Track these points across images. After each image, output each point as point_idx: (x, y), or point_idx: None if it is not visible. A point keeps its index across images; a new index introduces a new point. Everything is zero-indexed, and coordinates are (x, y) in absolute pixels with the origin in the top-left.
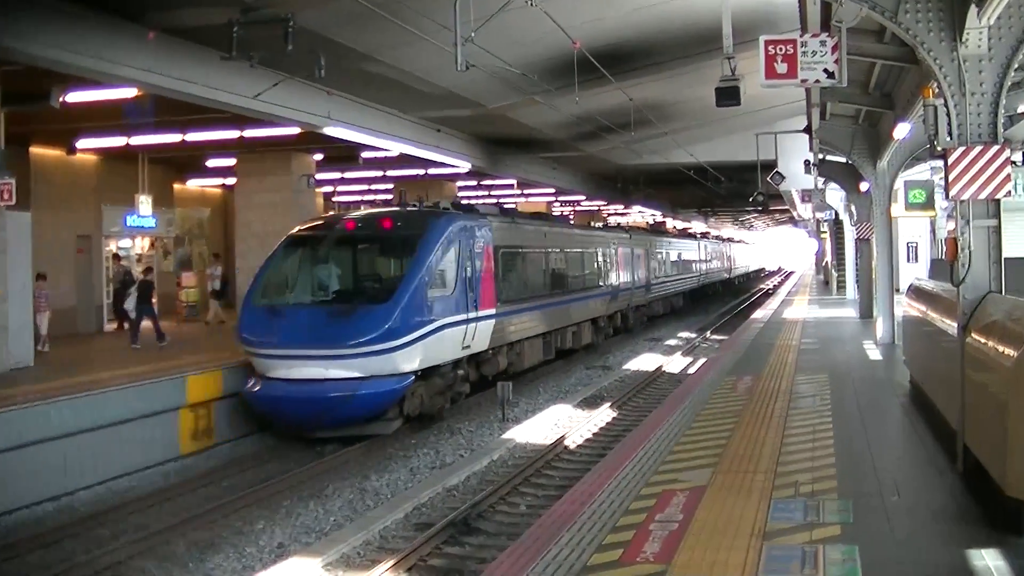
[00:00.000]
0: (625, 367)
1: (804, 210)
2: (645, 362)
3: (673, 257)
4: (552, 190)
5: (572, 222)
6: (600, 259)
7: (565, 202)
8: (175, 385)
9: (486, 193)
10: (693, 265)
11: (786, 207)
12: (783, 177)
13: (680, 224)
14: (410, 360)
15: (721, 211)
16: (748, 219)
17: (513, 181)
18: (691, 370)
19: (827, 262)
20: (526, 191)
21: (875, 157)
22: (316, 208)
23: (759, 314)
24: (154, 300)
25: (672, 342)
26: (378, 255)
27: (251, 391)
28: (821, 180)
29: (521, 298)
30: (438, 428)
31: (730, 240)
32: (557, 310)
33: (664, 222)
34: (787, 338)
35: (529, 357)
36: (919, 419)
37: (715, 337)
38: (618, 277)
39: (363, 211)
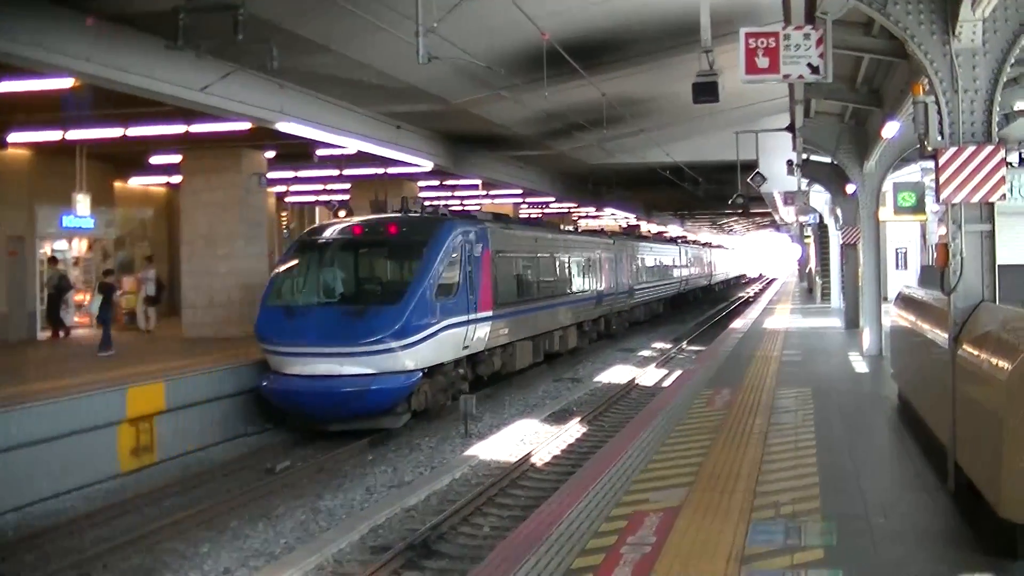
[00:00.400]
0: (596, 379)
1: (787, 213)
2: (617, 374)
3: (654, 262)
4: (519, 191)
5: (565, 228)
6: (587, 264)
7: (534, 204)
8: (113, 398)
9: (449, 194)
10: (674, 271)
11: (768, 210)
12: (764, 178)
13: (655, 228)
14: (418, 358)
15: (699, 214)
16: (727, 223)
17: (478, 181)
18: (666, 383)
19: (811, 269)
20: (492, 192)
21: (862, 157)
22: (268, 209)
23: (739, 324)
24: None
25: (646, 353)
26: (387, 259)
27: (269, 386)
28: (805, 182)
29: (515, 302)
30: (396, 444)
31: (709, 245)
32: (547, 314)
33: (638, 225)
34: (768, 349)
35: (520, 359)
36: (907, 436)
37: (692, 348)
38: (603, 282)
39: (369, 217)
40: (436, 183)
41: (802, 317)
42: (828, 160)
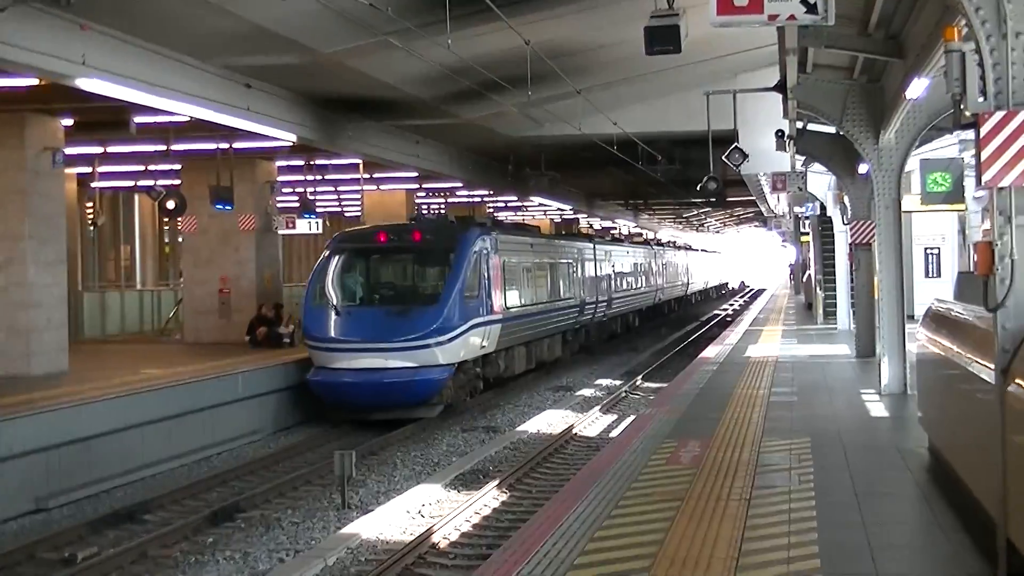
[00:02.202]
0: (520, 429)
1: (776, 203)
2: (547, 422)
3: (631, 268)
4: (414, 174)
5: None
6: (572, 270)
7: (433, 191)
8: None
9: (318, 177)
10: (650, 278)
11: (751, 197)
12: (745, 156)
13: (599, 224)
14: (452, 353)
15: (658, 205)
16: (698, 216)
17: (358, 160)
18: (613, 432)
19: (809, 276)
20: (377, 175)
21: (878, 126)
22: (68, 198)
23: (712, 351)
24: None
25: (586, 393)
26: (419, 263)
27: (316, 380)
28: (800, 160)
29: (517, 306)
30: (247, 520)
31: (687, 248)
32: (541, 319)
33: (576, 220)
34: (751, 386)
35: (519, 363)
36: (941, 503)
37: (648, 385)
38: (585, 290)
39: (392, 223)
40: (300, 162)
41: (798, 342)
42: (831, 130)
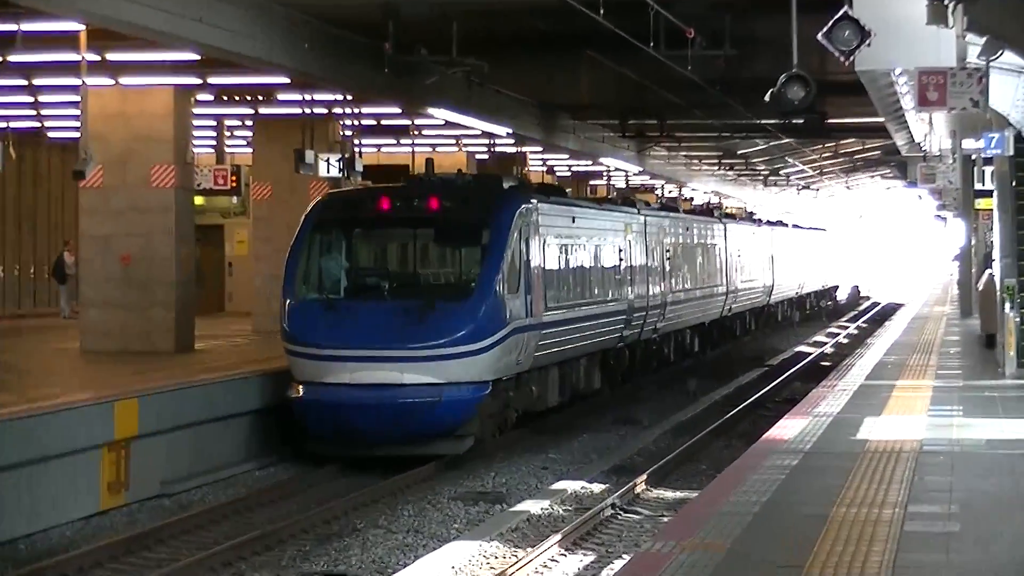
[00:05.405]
0: None
1: (927, 130)
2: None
3: (689, 255)
4: (192, 56)
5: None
6: (619, 257)
7: (232, 92)
8: None
9: None
10: (717, 273)
11: (874, 119)
12: (867, 34)
13: (558, 165)
14: (489, 366)
15: (685, 131)
16: (765, 156)
17: (76, 28)
18: None
19: (991, 278)
20: (115, 55)
21: None
22: None
23: (792, 426)
24: None
25: (539, 508)
26: (442, 241)
27: (302, 398)
28: (977, 45)
29: (559, 307)
30: None
31: (772, 224)
32: (583, 329)
33: (517, 156)
34: (866, 500)
35: (551, 392)
36: None
37: (661, 494)
38: (633, 288)
39: (397, 184)
40: None
41: (964, 413)
42: None
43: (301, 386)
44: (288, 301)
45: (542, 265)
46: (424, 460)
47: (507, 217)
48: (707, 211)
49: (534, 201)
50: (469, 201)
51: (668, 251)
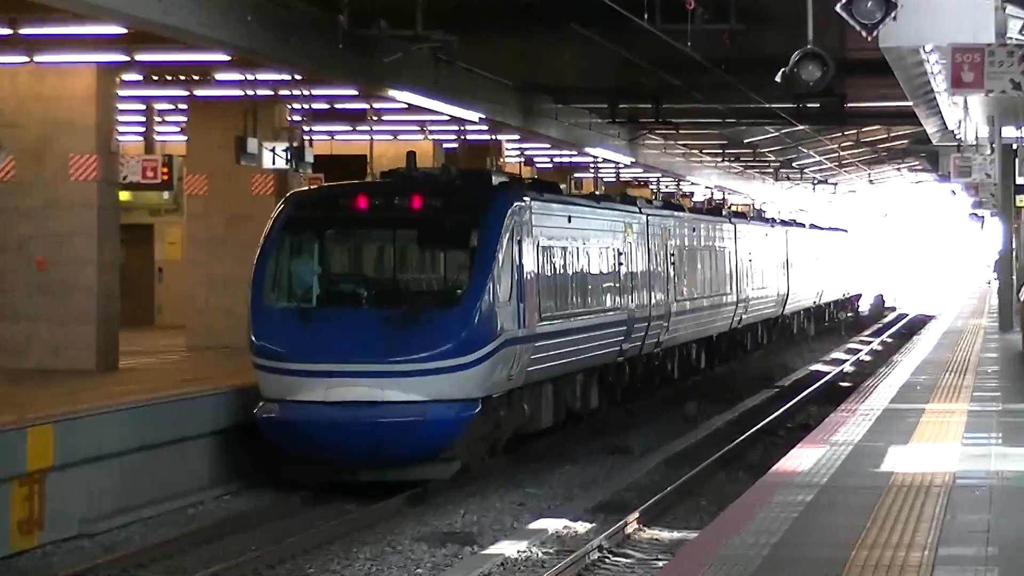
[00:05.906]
0: None
1: (962, 116)
2: None
3: (696, 259)
4: (116, 30)
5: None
6: (618, 261)
7: (163, 72)
8: None
9: None
10: (727, 280)
11: (902, 103)
12: (893, 5)
13: (545, 155)
14: (480, 382)
15: (684, 117)
16: (776, 145)
17: None
18: None
19: None
20: (27, 29)
21: None
22: None
23: (807, 456)
24: None
25: (520, 551)
26: (426, 243)
27: (271, 418)
28: (1019, 20)
29: (553, 316)
30: None
31: (786, 223)
32: (580, 342)
33: (492, 144)
34: (891, 542)
35: (545, 411)
36: None
37: (657, 535)
38: (634, 297)
39: (375, 181)
40: None
41: (1003, 441)
42: None
43: (270, 404)
44: (255, 310)
45: (536, 270)
46: (411, 485)
47: (498, 217)
48: (714, 209)
49: (527, 199)
50: (456, 199)
51: (672, 255)
